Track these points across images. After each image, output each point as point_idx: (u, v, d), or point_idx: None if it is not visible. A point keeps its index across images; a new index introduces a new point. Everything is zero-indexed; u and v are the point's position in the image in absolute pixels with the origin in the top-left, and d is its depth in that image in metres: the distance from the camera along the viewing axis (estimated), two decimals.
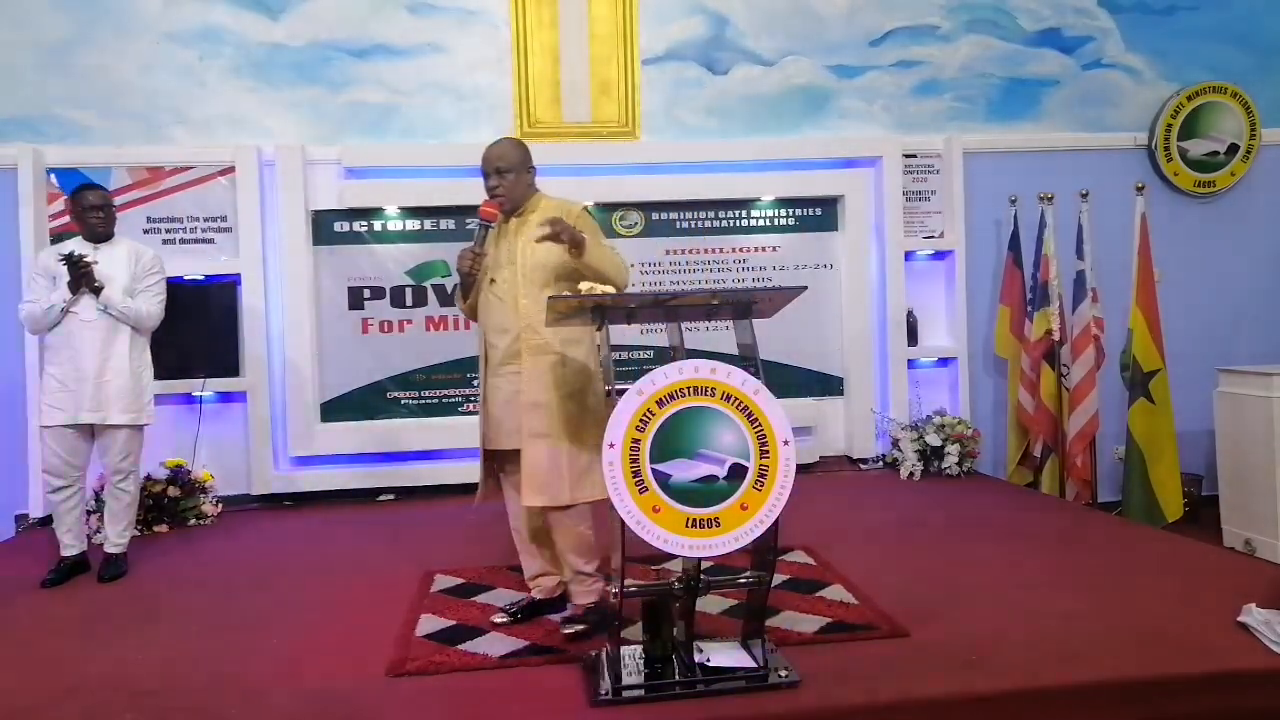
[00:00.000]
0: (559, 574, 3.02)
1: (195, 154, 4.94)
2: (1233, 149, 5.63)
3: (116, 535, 3.81)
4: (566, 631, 2.77)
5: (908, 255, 5.42)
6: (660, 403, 2.33)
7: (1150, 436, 4.81)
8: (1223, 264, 5.66)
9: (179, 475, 4.61)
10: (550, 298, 2.61)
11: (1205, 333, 5.51)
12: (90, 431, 3.75)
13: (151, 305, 3.82)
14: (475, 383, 3.55)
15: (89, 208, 3.73)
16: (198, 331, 4.89)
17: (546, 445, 2.77)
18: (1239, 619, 2.70)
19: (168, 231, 4.93)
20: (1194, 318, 5.49)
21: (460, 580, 3.36)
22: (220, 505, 4.75)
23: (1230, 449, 4.75)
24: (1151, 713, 2.41)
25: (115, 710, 2.43)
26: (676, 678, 2.44)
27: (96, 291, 3.64)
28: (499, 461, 2.98)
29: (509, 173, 2.90)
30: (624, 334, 4.95)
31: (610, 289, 2.69)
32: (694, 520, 2.30)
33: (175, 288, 4.83)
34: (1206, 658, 2.52)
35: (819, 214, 5.45)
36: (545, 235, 2.68)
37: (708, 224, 5.36)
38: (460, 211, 5.04)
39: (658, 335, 5.03)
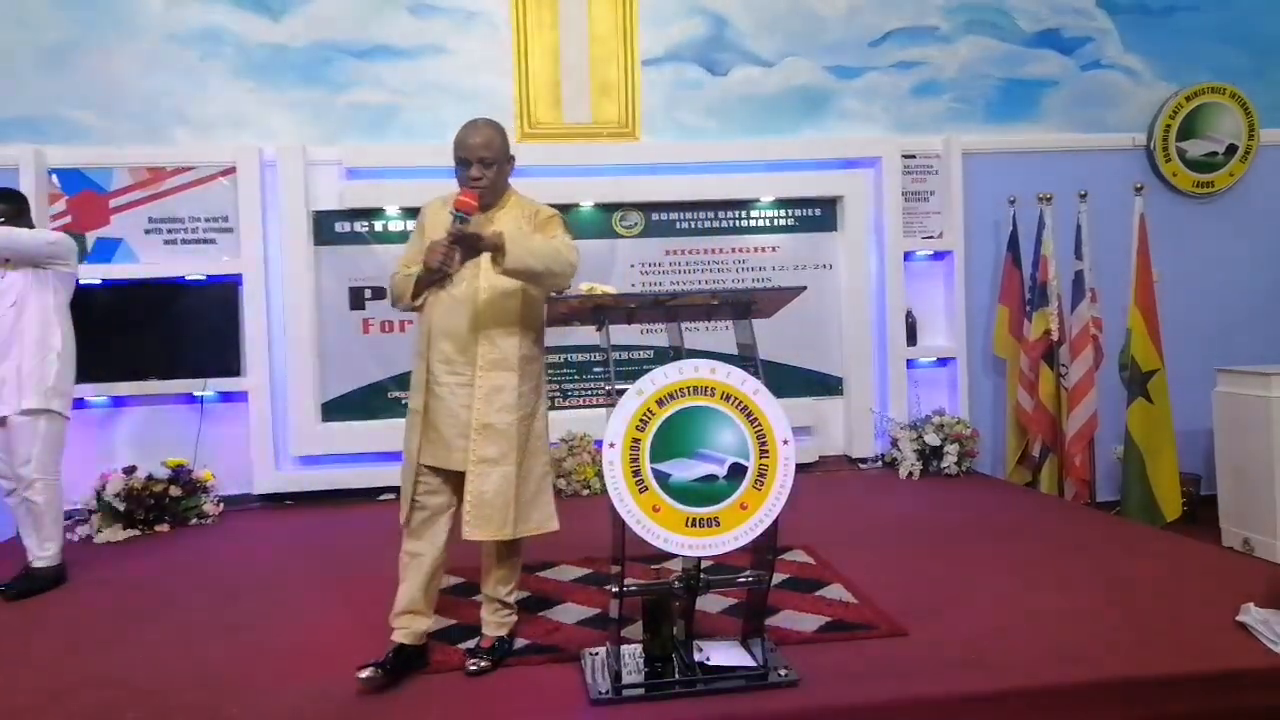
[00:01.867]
0: (429, 617, 2.69)
1: (196, 154, 4.94)
2: (1231, 149, 5.64)
3: (36, 548, 3.53)
4: (471, 668, 2.54)
5: (907, 255, 5.43)
6: (660, 402, 2.34)
7: (1149, 436, 4.81)
8: (1221, 264, 5.67)
9: (180, 475, 4.61)
10: (551, 297, 2.61)
11: (1204, 333, 5.52)
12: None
13: (27, 235, 3.51)
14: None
15: None
16: (199, 331, 4.91)
17: (497, 472, 2.57)
18: (1237, 618, 2.71)
19: (169, 232, 4.94)
20: (1192, 318, 5.49)
21: (460, 580, 3.36)
22: (221, 505, 4.76)
23: (1229, 449, 4.75)
24: (1150, 712, 2.42)
25: (116, 709, 2.44)
26: (676, 677, 2.45)
27: None
28: (427, 476, 2.64)
29: (493, 164, 2.60)
30: (624, 334, 4.96)
31: (561, 281, 2.56)
32: (694, 519, 2.31)
33: (176, 288, 4.89)
34: (1205, 657, 2.53)
35: (818, 214, 5.45)
36: (452, 240, 2.45)
37: (707, 224, 5.37)
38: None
39: (658, 335, 5.03)
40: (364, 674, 2.44)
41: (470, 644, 2.71)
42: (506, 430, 2.58)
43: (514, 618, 2.75)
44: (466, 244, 2.48)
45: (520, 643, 2.76)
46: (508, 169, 2.69)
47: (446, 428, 2.59)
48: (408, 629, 2.60)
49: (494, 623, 2.69)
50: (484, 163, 2.59)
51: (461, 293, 2.60)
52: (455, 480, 2.63)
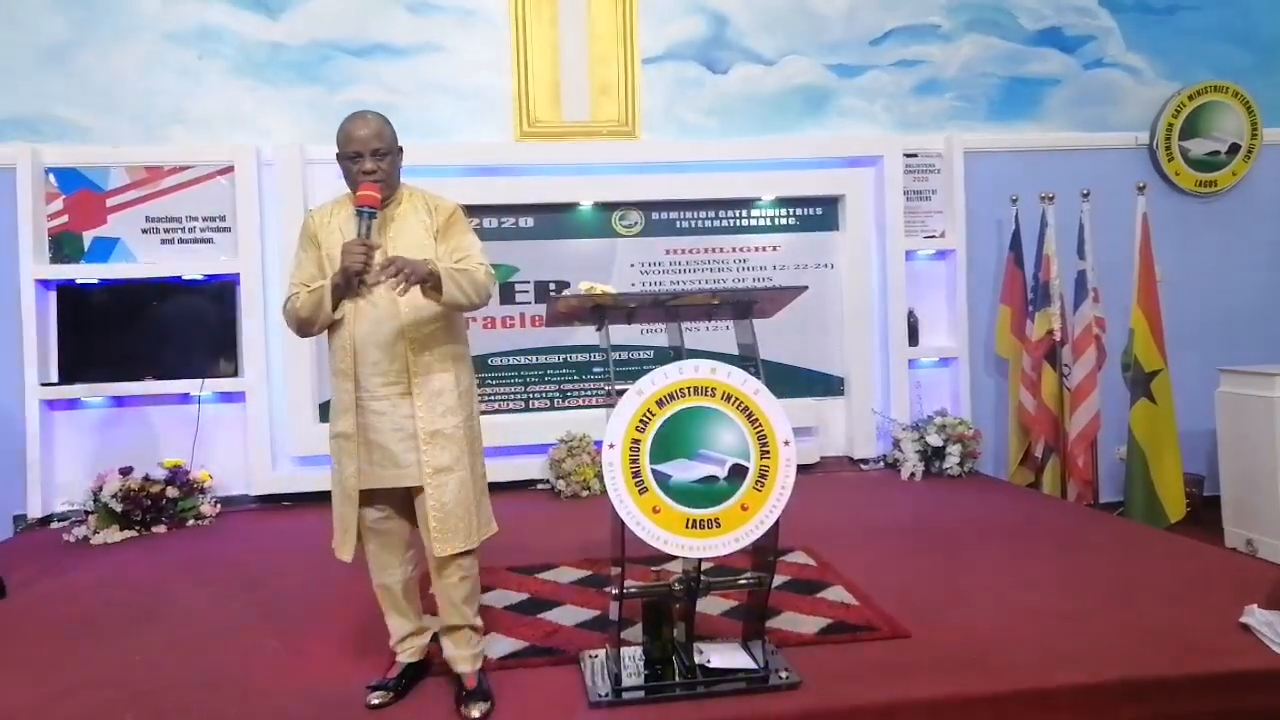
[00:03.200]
0: (429, 627, 2.60)
1: (194, 153, 4.92)
2: (1234, 148, 5.62)
3: None
4: (475, 716, 2.32)
5: (908, 255, 5.41)
6: (660, 403, 2.32)
7: (1152, 437, 4.79)
8: (1224, 264, 5.65)
9: (177, 476, 4.59)
10: (551, 297, 2.59)
11: (1207, 332, 5.50)
12: None
13: None
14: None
15: None
16: (196, 331, 4.90)
17: (454, 479, 2.42)
18: (1241, 620, 2.70)
19: (166, 231, 4.92)
20: (1195, 317, 5.48)
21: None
22: (219, 506, 4.73)
23: (1232, 449, 4.73)
24: (1152, 713, 2.41)
25: (115, 710, 2.43)
26: (676, 679, 2.44)
27: None
28: (373, 502, 2.46)
29: (386, 155, 2.43)
30: (624, 334, 4.94)
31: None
32: (694, 521, 2.29)
33: (174, 288, 4.87)
34: (1208, 659, 2.52)
35: (819, 214, 5.43)
36: (391, 277, 2.25)
37: (708, 224, 5.35)
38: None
39: (658, 335, 5.01)
40: (374, 699, 2.38)
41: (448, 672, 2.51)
42: (454, 434, 2.44)
43: (484, 641, 2.56)
44: (409, 277, 2.26)
45: (519, 644, 2.74)
46: (399, 159, 2.52)
47: (393, 443, 2.40)
48: (412, 648, 2.54)
49: (469, 656, 2.47)
50: (377, 154, 2.41)
51: (381, 297, 2.40)
52: (400, 498, 2.47)
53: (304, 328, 2.51)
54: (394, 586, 2.52)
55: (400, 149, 2.52)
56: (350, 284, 2.38)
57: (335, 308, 2.42)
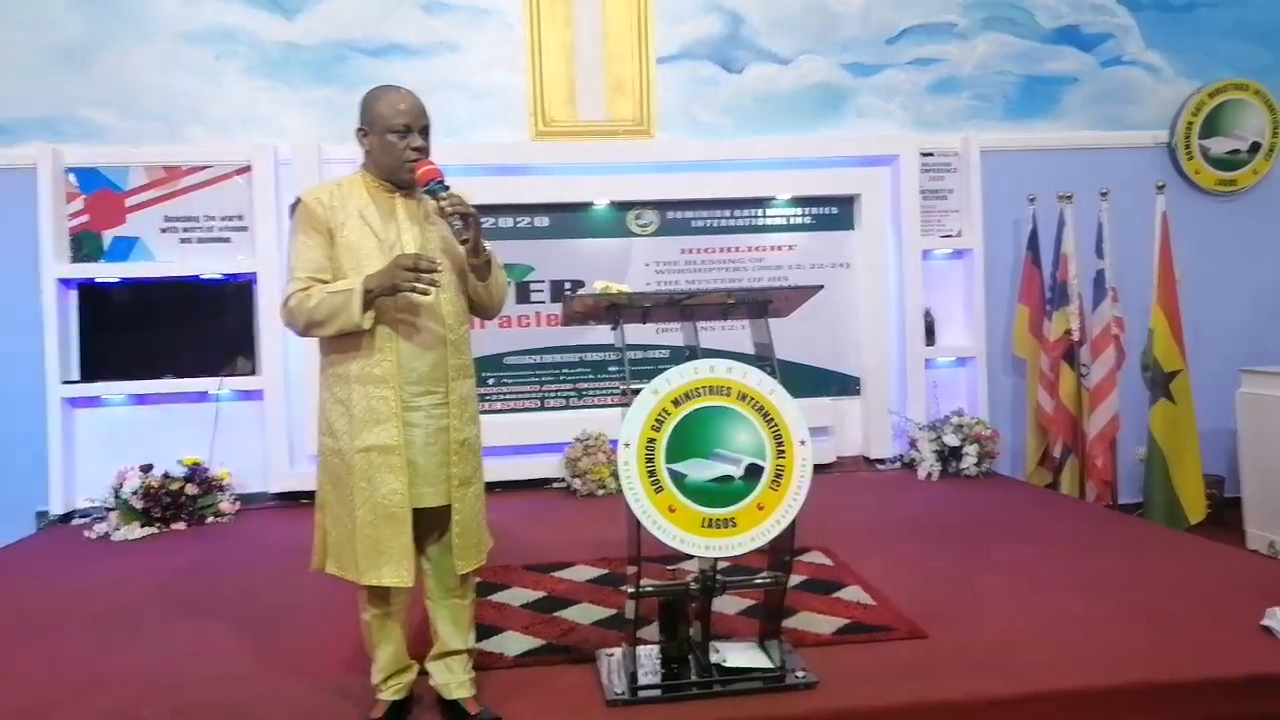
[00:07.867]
0: (415, 664, 2.40)
1: (212, 153, 4.95)
2: (1255, 147, 5.56)
3: None
4: None
5: (925, 254, 5.38)
6: (676, 402, 2.32)
7: (1172, 437, 4.75)
8: (1245, 263, 5.60)
9: (196, 473, 4.62)
10: (566, 296, 2.58)
11: (1227, 333, 5.45)
12: None
13: None
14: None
15: None
16: (215, 330, 4.93)
17: (471, 492, 2.30)
18: (1263, 623, 2.68)
19: (185, 230, 4.95)
20: (1216, 317, 5.43)
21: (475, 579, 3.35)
22: (238, 503, 4.77)
23: (1253, 450, 4.69)
24: (1173, 717, 2.39)
25: (134, 705, 2.45)
26: (693, 678, 2.44)
27: None
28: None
29: (428, 134, 2.26)
30: (639, 333, 4.93)
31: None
32: (710, 520, 2.29)
33: (192, 286, 4.90)
34: (1229, 662, 2.49)
35: (835, 213, 5.42)
36: (452, 212, 2.12)
37: (723, 223, 5.35)
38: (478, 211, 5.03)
39: (673, 335, 5.01)
40: None
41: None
42: (475, 444, 2.33)
43: (472, 668, 2.42)
44: (473, 226, 2.15)
45: (535, 643, 2.75)
46: None
47: (429, 457, 2.22)
48: (399, 684, 2.35)
49: (468, 681, 2.36)
50: (425, 132, 2.23)
51: (424, 299, 2.19)
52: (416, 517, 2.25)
53: (312, 330, 2.21)
54: (396, 614, 2.33)
55: None
56: (394, 295, 2.14)
57: (369, 305, 2.15)
